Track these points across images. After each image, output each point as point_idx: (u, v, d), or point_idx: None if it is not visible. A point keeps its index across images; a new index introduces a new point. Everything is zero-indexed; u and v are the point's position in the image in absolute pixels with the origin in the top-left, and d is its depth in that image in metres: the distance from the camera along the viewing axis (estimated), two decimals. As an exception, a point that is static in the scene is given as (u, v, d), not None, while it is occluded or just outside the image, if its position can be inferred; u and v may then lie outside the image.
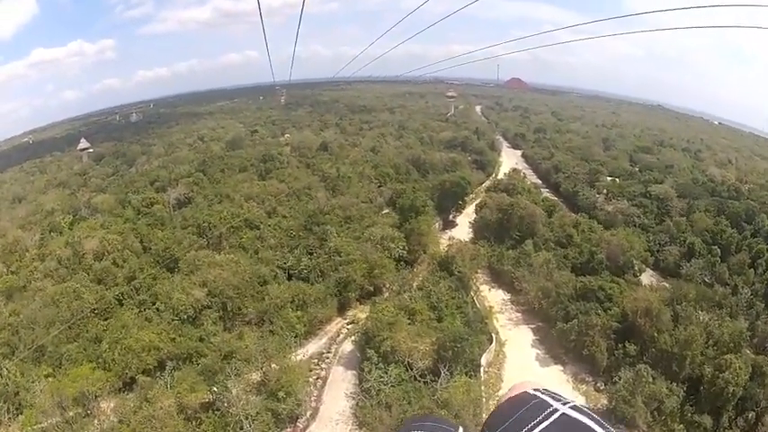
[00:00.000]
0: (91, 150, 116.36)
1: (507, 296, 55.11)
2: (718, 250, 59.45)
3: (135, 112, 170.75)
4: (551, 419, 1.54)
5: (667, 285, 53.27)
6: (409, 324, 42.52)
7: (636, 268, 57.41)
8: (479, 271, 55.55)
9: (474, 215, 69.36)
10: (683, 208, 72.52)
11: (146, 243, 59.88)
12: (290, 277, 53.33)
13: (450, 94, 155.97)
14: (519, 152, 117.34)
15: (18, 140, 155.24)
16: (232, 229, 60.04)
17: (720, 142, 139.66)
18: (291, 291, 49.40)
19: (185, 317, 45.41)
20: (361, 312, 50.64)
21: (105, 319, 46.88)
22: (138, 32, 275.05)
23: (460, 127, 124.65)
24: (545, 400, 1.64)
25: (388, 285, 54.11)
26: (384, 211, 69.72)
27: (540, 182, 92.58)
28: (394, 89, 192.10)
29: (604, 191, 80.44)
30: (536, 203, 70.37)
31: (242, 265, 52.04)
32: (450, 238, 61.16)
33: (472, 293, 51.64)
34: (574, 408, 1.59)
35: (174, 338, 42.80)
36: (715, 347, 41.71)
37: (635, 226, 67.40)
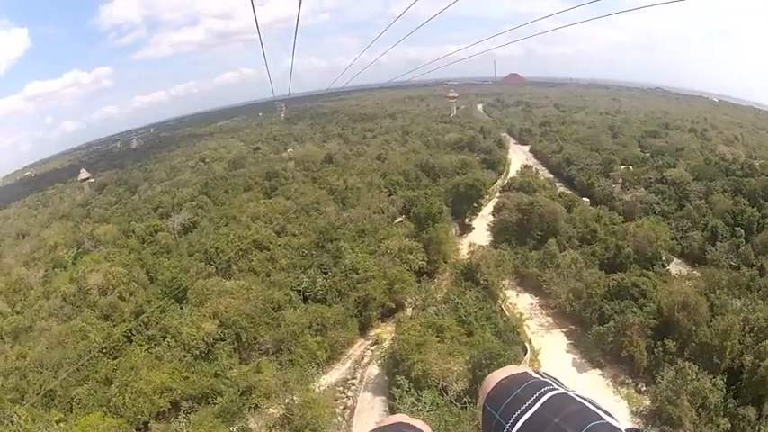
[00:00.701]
0: (92, 180, 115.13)
1: (535, 300, 52.23)
2: (742, 231, 56.89)
3: (135, 138, 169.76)
4: (549, 396, 1.54)
5: (697, 273, 50.67)
6: (438, 342, 39.44)
7: (664, 258, 54.72)
8: (504, 276, 52.68)
9: (491, 217, 66.67)
10: (701, 190, 69.69)
11: (152, 273, 57.59)
12: (305, 300, 50.28)
13: (451, 94, 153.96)
14: (526, 148, 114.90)
15: (20, 174, 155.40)
16: (241, 253, 57.35)
17: (723, 119, 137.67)
18: (309, 315, 46.42)
19: (197, 352, 42.64)
20: (384, 332, 47.88)
21: (114, 358, 44.39)
22: (132, 58, 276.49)
23: (465, 127, 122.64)
24: (546, 381, 1.63)
25: (410, 301, 51.12)
26: (398, 220, 67.24)
27: (552, 176, 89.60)
28: (393, 95, 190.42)
29: (620, 180, 77.78)
30: (553, 199, 67.61)
31: (254, 291, 49.22)
32: (470, 244, 58.21)
33: (500, 302, 48.88)
34: (576, 395, 1.57)
35: (188, 377, 40.00)
36: (752, 334, 38.91)
37: (655, 214, 64.65)
